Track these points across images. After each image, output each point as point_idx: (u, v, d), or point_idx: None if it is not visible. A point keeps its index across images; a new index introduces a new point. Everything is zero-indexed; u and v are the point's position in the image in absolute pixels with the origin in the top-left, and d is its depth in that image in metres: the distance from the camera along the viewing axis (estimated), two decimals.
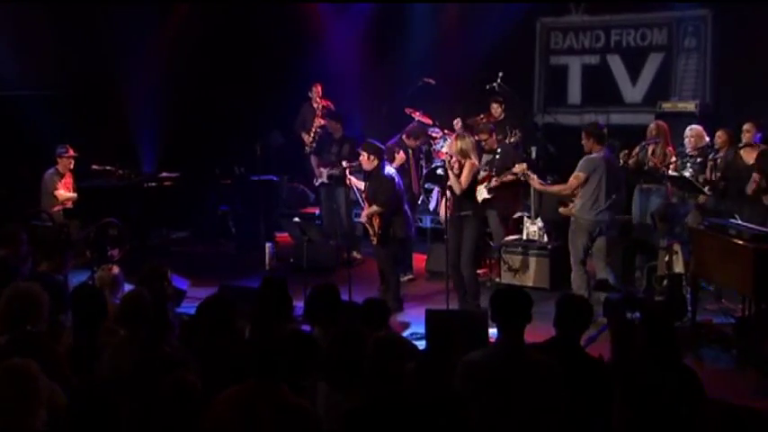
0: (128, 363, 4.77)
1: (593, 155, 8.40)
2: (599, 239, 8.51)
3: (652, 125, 9.97)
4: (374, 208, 8.77)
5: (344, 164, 10.54)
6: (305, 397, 4.30)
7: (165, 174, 12.03)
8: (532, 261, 9.77)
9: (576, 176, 8.40)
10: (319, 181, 11.24)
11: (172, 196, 11.80)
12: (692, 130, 9.55)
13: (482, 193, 9.53)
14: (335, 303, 5.64)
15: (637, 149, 9.87)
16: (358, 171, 10.25)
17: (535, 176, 9.10)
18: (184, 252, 11.79)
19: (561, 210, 8.87)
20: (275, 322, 5.47)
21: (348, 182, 9.40)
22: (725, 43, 12.32)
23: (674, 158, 9.48)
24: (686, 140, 9.51)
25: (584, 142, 8.47)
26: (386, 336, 4.52)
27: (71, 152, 10.81)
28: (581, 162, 8.45)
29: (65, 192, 10.82)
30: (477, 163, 8.48)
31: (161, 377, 4.20)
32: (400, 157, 10.14)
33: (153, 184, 11.71)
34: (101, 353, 5.10)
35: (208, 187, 12.46)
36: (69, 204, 10.81)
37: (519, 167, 9.16)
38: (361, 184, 9.26)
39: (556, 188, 9.01)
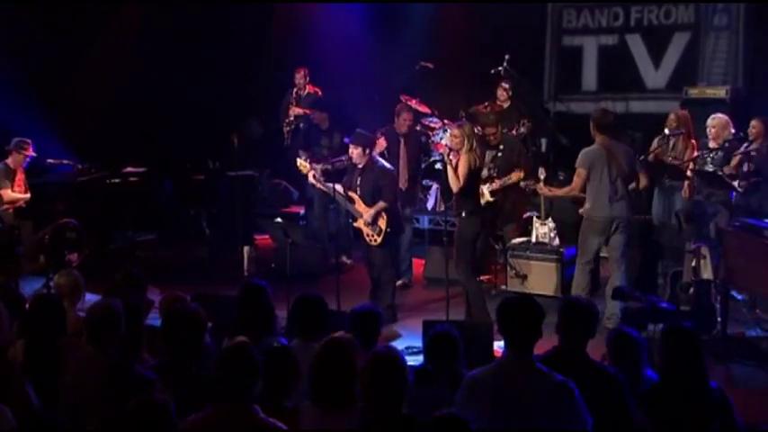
0: (94, 382, 4.74)
1: (591, 147, 8.58)
2: (614, 238, 8.57)
3: (672, 115, 9.98)
4: (381, 204, 8.73)
5: (321, 166, 10.47)
6: (288, 418, 4.28)
7: (129, 169, 12.00)
8: (542, 266, 9.75)
9: (577, 173, 8.58)
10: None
11: (137, 194, 11.78)
12: (715, 119, 9.57)
13: (485, 196, 9.54)
14: (323, 316, 5.63)
15: (655, 143, 9.88)
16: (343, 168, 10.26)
17: (541, 184, 9.23)
18: (152, 257, 11.76)
19: (581, 211, 8.97)
20: (257, 335, 5.45)
21: (318, 183, 9.13)
22: (759, 21, 12.32)
23: (695, 153, 9.50)
24: (708, 131, 9.54)
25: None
26: (385, 352, 4.51)
27: (30, 151, 10.66)
28: (579, 156, 8.64)
29: (13, 192, 10.61)
30: (476, 155, 8.46)
31: (131, 398, 4.18)
32: (380, 143, 10.09)
33: (116, 180, 11.69)
34: (61, 369, 5.06)
35: (178, 184, 12.43)
36: (21, 203, 10.74)
37: (516, 176, 9.32)
38: (338, 187, 9.13)
39: (562, 191, 9.20)
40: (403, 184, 10.22)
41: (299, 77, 12.55)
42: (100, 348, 5.01)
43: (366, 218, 8.77)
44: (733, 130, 9.52)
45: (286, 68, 12.87)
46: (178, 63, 13.44)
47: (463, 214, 8.44)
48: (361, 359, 4.50)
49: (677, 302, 8.30)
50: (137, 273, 6.39)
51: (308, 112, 12.18)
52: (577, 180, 8.58)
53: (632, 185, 8.69)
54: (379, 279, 9.01)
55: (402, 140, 10.34)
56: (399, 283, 9.98)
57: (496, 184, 9.65)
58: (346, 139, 9.70)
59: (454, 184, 8.32)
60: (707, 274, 8.33)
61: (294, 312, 5.73)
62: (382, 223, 8.74)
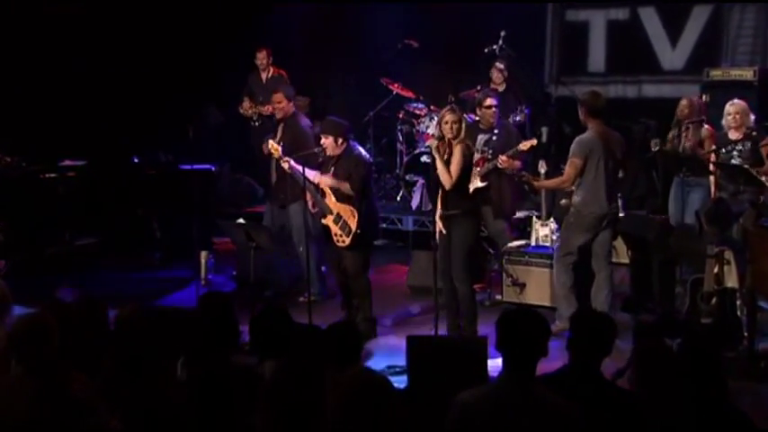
0: (21, 406, 4.72)
1: (585, 134, 8.70)
2: (602, 235, 8.75)
3: (683, 102, 10.05)
4: (345, 184, 8.72)
5: (317, 150, 10.48)
6: None
7: (67, 162, 11.94)
8: (543, 273, 9.77)
9: (572, 163, 8.69)
10: None
11: (77, 191, 11.72)
12: (734, 105, 9.63)
13: (474, 182, 9.55)
14: (285, 331, 5.61)
15: (671, 135, 9.95)
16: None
17: (525, 173, 9.37)
18: (94, 263, 11.71)
19: (563, 202, 9.21)
20: (218, 353, 5.45)
21: (289, 168, 9.17)
22: None
23: (713, 146, 9.56)
24: (727, 119, 9.59)
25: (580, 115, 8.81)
26: (364, 375, 4.50)
27: None
28: (573, 145, 8.76)
29: None
30: (470, 145, 8.51)
31: (67, 425, 4.16)
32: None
33: (52, 174, 11.63)
34: None
35: (124, 179, 12.38)
36: None
37: (526, 145, 9.34)
38: (312, 173, 9.12)
39: (553, 182, 9.33)
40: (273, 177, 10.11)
41: (261, 58, 12.52)
42: (28, 368, 4.98)
43: (322, 182, 8.81)
44: (753, 116, 9.59)
45: (247, 48, 12.83)
46: (123, 41, 13.38)
47: (460, 213, 8.44)
48: (336, 384, 4.49)
49: (697, 314, 8.33)
50: (99, 301, 6.31)
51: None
52: (571, 171, 8.69)
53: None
54: (352, 288, 9.01)
55: (280, 126, 10.15)
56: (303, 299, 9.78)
57: (503, 161, 9.63)
58: (317, 129, 9.72)
59: (445, 179, 8.30)
60: (731, 281, 8.36)
61: (253, 328, 5.71)
62: (352, 223, 8.74)
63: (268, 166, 10.28)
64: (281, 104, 10.10)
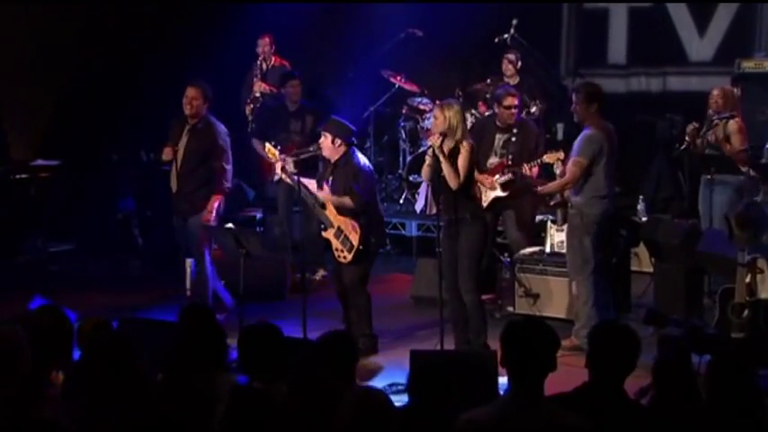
0: None
1: (591, 131, 8.68)
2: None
3: (716, 92, 10.02)
4: (346, 200, 8.71)
5: (312, 148, 10.46)
6: None
7: (40, 162, 11.94)
8: (559, 283, 9.76)
9: (578, 162, 8.69)
10: (278, 176, 10.62)
11: (51, 193, 11.72)
12: None
13: (494, 190, 9.55)
14: (275, 349, 5.58)
15: (704, 129, 9.93)
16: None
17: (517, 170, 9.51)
18: (69, 271, 11.72)
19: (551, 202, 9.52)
20: (202, 370, 5.43)
21: (284, 176, 9.18)
22: None
23: (744, 142, 9.56)
24: None
25: (575, 108, 8.78)
26: (363, 394, 4.49)
27: None
28: (582, 143, 8.73)
29: None
30: (473, 143, 8.50)
31: None
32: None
33: (24, 175, 11.64)
34: None
35: (102, 181, 12.38)
36: None
37: (552, 157, 9.34)
38: (310, 182, 9.11)
39: (556, 184, 9.20)
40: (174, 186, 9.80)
41: (264, 45, 12.52)
42: None
43: (324, 195, 8.79)
44: None
45: (237, 36, 12.82)
46: (104, 30, 13.37)
47: (469, 217, 8.44)
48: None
49: (728, 328, 8.31)
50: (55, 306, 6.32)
51: (275, 89, 12.12)
52: (578, 171, 8.69)
53: None
54: (350, 303, 9.04)
55: (186, 129, 9.74)
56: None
57: (527, 169, 9.61)
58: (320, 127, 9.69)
59: (452, 181, 8.28)
60: (765, 292, 8.35)
61: (241, 345, 5.70)
62: (354, 238, 8.73)
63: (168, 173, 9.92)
64: (195, 102, 9.53)
